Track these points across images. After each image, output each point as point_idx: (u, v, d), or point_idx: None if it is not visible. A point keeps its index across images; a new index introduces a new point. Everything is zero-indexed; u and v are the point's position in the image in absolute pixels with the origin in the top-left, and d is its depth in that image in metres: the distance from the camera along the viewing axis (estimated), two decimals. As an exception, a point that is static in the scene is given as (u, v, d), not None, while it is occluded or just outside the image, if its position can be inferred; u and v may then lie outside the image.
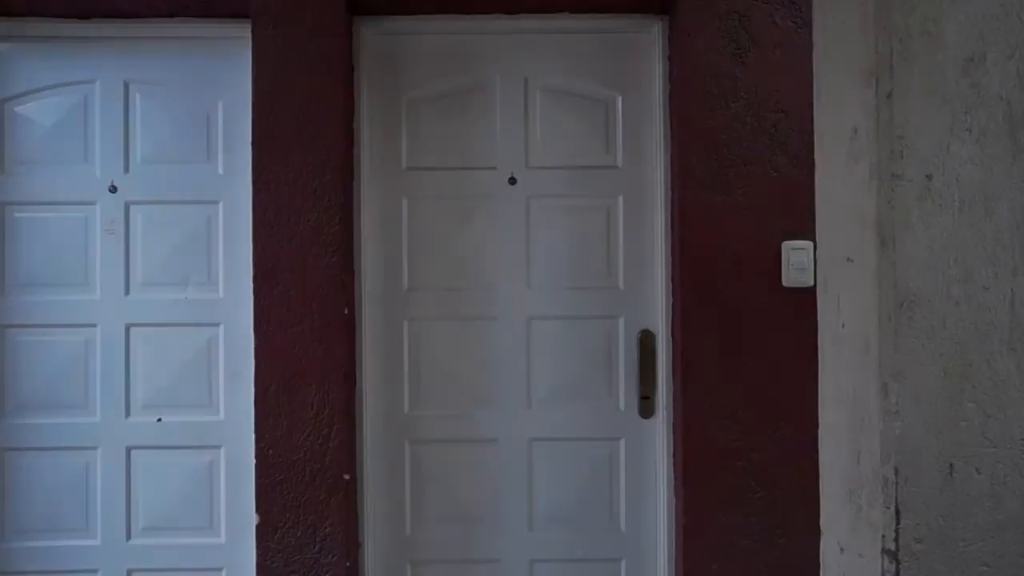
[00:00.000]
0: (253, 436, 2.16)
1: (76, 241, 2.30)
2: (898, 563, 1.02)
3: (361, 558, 2.29)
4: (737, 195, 2.16)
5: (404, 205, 2.32)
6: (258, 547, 2.16)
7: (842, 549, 1.20)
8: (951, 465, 1.03)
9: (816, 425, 1.32)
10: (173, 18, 2.29)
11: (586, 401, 2.32)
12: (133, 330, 2.30)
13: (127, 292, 2.31)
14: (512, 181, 2.32)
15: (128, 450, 2.30)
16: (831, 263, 1.25)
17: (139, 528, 2.30)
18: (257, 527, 2.16)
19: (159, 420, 2.30)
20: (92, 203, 2.31)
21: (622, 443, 2.31)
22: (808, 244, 2.13)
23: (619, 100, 2.32)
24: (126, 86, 2.32)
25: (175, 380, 2.30)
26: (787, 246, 2.14)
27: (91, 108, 2.31)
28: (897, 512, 1.02)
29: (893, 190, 1.03)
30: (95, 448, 2.29)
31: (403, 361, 2.31)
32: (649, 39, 2.32)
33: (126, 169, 2.32)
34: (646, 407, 2.29)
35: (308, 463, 2.15)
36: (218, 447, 2.31)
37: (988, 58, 1.03)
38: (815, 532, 1.33)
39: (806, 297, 2.13)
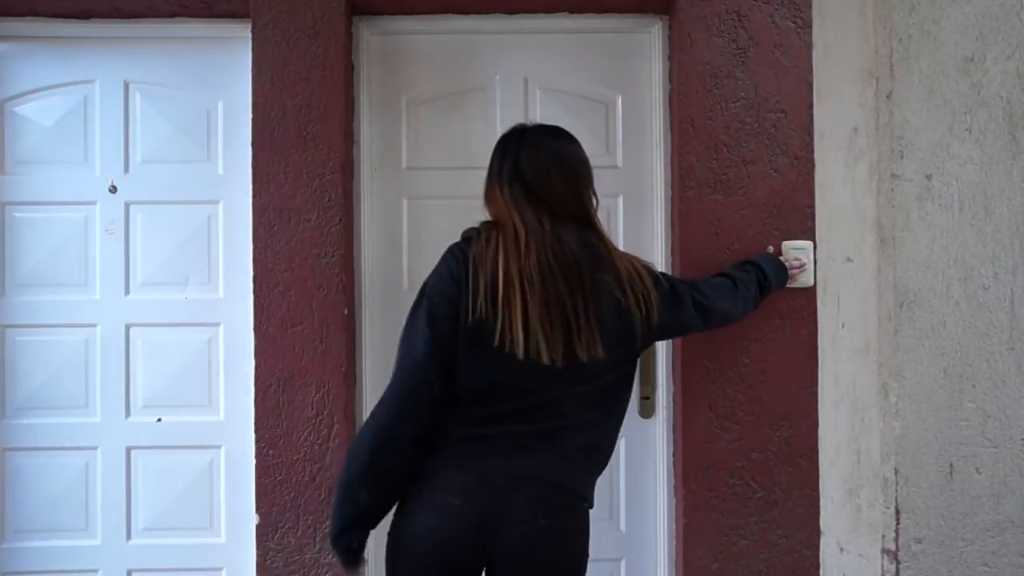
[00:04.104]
0: (253, 436, 2.16)
1: (76, 241, 2.30)
2: (898, 563, 1.02)
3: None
4: (737, 195, 2.16)
5: (404, 205, 2.32)
6: (258, 547, 2.16)
7: (842, 549, 1.20)
8: (951, 465, 1.03)
9: (816, 425, 1.32)
10: (173, 18, 2.29)
11: (586, 401, 2.31)
12: (133, 330, 2.30)
13: (127, 292, 2.31)
14: (512, 181, 2.31)
15: (128, 450, 2.30)
16: (831, 263, 1.25)
17: (139, 528, 2.30)
18: (257, 527, 2.16)
19: (159, 420, 2.30)
20: (92, 203, 2.30)
21: (622, 443, 2.31)
22: (808, 244, 2.13)
23: (619, 100, 2.32)
24: (126, 86, 2.32)
25: (175, 380, 2.30)
26: (787, 246, 2.14)
27: (91, 108, 2.31)
28: (897, 512, 1.02)
29: (893, 190, 1.03)
30: (95, 448, 2.29)
31: (403, 361, 2.31)
32: (649, 39, 2.32)
33: (126, 169, 2.31)
34: (646, 407, 2.29)
35: (308, 463, 2.15)
36: (218, 447, 2.31)
37: (988, 58, 1.03)
38: (815, 532, 1.33)
39: (806, 297, 2.13)
